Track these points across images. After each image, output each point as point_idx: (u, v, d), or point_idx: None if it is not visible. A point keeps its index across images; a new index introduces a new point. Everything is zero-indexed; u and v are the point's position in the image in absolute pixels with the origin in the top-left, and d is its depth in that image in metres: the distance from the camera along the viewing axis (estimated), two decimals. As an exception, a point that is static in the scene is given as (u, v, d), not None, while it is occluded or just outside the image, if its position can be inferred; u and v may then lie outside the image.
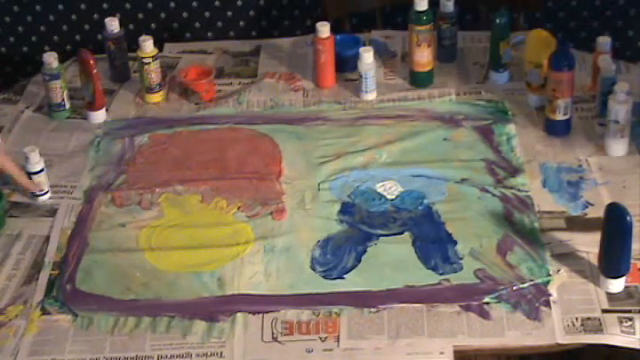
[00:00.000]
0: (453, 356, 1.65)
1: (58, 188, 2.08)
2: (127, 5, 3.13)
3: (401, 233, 1.91)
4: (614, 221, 1.67)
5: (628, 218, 1.65)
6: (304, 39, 2.63)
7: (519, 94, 2.30)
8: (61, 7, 3.13)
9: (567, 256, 1.82)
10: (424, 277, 1.80)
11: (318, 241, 1.90)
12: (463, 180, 2.04)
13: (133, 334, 1.72)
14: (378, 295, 1.76)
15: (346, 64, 2.41)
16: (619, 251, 1.69)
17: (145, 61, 2.35)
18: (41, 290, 1.82)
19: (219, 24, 3.17)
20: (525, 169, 2.06)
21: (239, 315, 1.74)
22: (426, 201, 1.99)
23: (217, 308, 1.75)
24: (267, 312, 1.74)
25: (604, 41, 2.25)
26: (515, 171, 2.06)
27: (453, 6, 2.42)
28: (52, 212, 2.02)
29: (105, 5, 3.12)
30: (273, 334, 1.70)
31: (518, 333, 1.68)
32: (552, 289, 1.75)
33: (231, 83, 2.46)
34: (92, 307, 1.77)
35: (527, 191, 1.99)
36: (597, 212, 1.86)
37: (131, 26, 3.08)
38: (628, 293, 1.73)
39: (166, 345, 1.69)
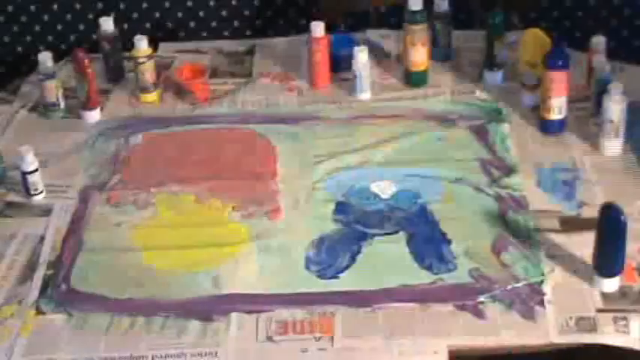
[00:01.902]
0: (447, 356, 1.65)
1: (52, 188, 2.08)
2: (122, 5, 3.12)
3: (395, 233, 1.91)
4: (608, 221, 1.67)
5: (622, 218, 1.65)
6: (299, 39, 2.62)
7: (514, 94, 2.30)
8: (55, 6, 3.13)
9: (562, 256, 1.82)
10: (419, 276, 1.79)
11: (313, 240, 1.90)
12: (458, 179, 2.04)
13: (128, 333, 1.72)
14: (373, 294, 1.76)
15: (341, 64, 2.41)
16: (613, 251, 1.69)
17: (140, 60, 2.35)
18: (36, 290, 1.81)
19: (214, 23, 3.17)
20: (520, 169, 2.06)
21: (234, 314, 1.73)
22: (420, 200, 1.99)
23: (212, 308, 1.75)
24: (261, 311, 1.74)
25: (598, 41, 2.26)
26: (509, 170, 2.06)
27: (448, 5, 2.42)
28: (46, 212, 2.02)
29: (99, 5, 3.12)
30: (267, 333, 1.70)
31: (513, 332, 1.68)
32: (547, 288, 1.75)
33: (225, 83, 2.46)
34: (87, 307, 1.77)
35: (521, 191, 1.99)
36: (592, 212, 1.87)
37: (126, 26, 3.07)
38: (622, 293, 1.73)
39: (161, 344, 1.69)
